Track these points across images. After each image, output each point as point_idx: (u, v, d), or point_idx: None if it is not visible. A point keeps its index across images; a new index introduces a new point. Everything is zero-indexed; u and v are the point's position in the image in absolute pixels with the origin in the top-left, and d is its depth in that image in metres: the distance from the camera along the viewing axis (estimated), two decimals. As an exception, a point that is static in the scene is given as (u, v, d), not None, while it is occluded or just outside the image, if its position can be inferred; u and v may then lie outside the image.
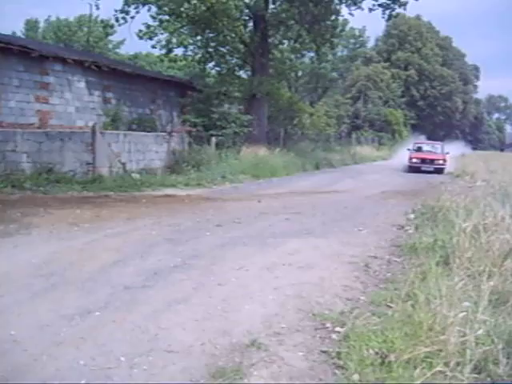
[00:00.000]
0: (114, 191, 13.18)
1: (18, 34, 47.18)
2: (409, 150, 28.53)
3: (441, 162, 26.12)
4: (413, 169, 26.32)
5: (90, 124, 15.92)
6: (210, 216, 10.12)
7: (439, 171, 25.46)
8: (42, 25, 51.93)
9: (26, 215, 9.24)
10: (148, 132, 18.28)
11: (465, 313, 3.96)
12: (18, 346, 4.02)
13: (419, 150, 28.58)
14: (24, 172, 13.57)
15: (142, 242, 7.63)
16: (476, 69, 76.05)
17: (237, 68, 28.42)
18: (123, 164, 15.27)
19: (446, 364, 3.57)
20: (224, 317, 4.75)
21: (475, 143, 69.77)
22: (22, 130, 14.36)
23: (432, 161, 26.47)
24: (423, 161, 26.58)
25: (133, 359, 3.85)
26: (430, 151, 28.22)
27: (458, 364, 3.56)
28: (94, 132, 14.26)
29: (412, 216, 10.29)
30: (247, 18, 26.27)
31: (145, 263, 6.48)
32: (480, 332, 3.78)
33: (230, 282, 5.78)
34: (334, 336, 4.35)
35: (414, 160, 26.79)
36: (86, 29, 44.50)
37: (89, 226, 8.63)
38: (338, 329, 4.45)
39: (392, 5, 25.33)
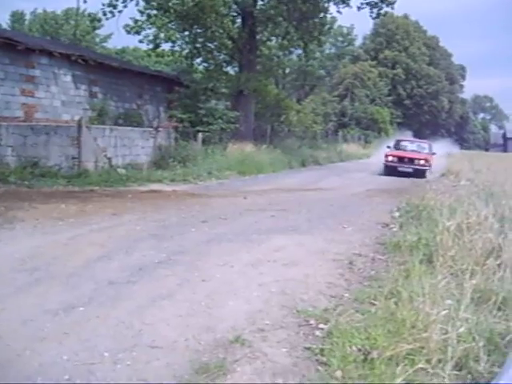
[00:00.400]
0: (100, 186, 13.11)
1: (4, 26, 46.79)
2: (389, 147, 24.68)
3: (422, 162, 22.16)
4: (389, 169, 22.59)
5: (76, 118, 15.82)
6: (195, 212, 10.11)
7: (420, 174, 21.30)
8: (28, 17, 51.58)
9: (10, 209, 9.15)
10: (134, 127, 18.21)
11: (447, 311, 4.01)
12: (1, 341, 4.00)
13: (401, 148, 24.56)
14: (9, 166, 13.48)
15: (127, 238, 7.61)
16: (462, 69, 76.43)
17: (224, 64, 28.38)
18: (109, 159, 15.20)
19: (428, 361, 3.61)
20: (208, 313, 4.76)
21: (460, 142, 70.17)
22: (6, 124, 14.25)
23: (411, 160, 22.39)
24: (401, 160, 22.64)
25: (116, 354, 3.85)
26: (413, 150, 23.96)
27: (439, 361, 3.60)
28: (79, 126, 14.17)
29: (397, 214, 10.35)
30: (235, 14, 26.28)
31: (129, 259, 6.47)
32: (462, 330, 3.82)
33: (214, 278, 5.78)
34: (317, 333, 4.37)
35: (390, 158, 22.92)
36: (72, 22, 44.23)
37: (74, 221, 8.59)
38: (321, 326, 4.47)
39: (380, 3, 25.47)
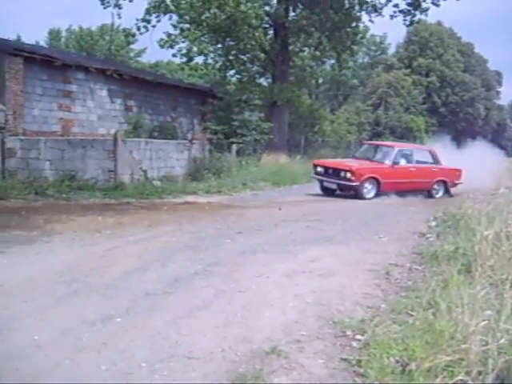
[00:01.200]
0: (136, 198, 13.26)
1: (42, 43, 47.86)
2: (354, 156, 18.05)
3: (348, 175, 15.14)
4: (320, 184, 16.69)
5: (112, 132, 16.09)
6: (230, 223, 10.13)
7: (350, 191, 15.63)
8: (64, 34, 52.62)
9: (49, 222, 9.34)
10: (169, 139, 18.40)
11: (487, 321, 3.93)
12: (41, 351, 4.07)
13: (359, 156, 17.43)
14: (47, 179, 13.78)
15: (163, 249, 7.66)
16: (498, 74, 75.12)
17: (257, 75, 28.55)
18: (144, 171, 15.37)
19: (468, 373, 3.54)
20: (244, 324, 4.76)
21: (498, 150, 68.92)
22: (45, 138, 14.60)
23: (337, 172, 15.70)
24: (326, 171, 16.24)
25: (154, 365, 3.87)
26: (364, 159, 16.70)
27: (479, 373, 3.53)
28: (115, 140, 14.39)
29: (433, 223, 10.22)
30: (267, 25, 26.40)
31: (166, 270, 6.51)
32: (502, 341, 3.74)
33: (250, 289, 5.78)
34: (354, 344, 4.33)
35: (318, 169, 16.62)
36: (107, 38, 45.11)
37: (110, 233, 8.70)
38: (358, 336, 4.43)
39: (413, 11, 25.30)
